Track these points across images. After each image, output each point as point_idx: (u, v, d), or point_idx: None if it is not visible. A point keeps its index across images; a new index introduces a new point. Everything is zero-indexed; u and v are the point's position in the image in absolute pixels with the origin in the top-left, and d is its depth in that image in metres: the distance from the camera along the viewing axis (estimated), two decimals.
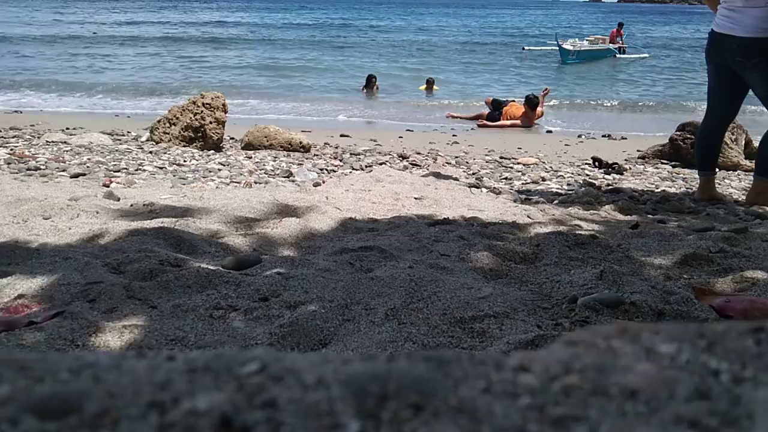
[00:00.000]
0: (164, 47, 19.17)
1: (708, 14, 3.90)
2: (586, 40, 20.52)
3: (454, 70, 16.50)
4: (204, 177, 4.23)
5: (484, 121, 9.46)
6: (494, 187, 4.25)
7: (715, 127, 3.92)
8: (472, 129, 9.00)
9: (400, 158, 5.41)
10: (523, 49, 22.68)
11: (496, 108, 9.71)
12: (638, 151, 6.35)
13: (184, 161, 4.76)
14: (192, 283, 1.77)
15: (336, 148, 5.90)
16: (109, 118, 8.13)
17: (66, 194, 3.05)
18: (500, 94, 11.71)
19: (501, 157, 5.77)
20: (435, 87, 13.24)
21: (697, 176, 5.16)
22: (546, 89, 10.26)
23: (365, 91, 12.64)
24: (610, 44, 20.67)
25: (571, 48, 18.77)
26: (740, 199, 4.20)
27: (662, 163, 5.75)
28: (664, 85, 15.02)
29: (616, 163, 5.42)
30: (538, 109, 9.39)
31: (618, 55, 19.62)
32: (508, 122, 9.29)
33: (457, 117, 10.17)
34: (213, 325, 1.56)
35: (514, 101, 9.78)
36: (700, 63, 19.74)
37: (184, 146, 5.40)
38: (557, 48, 18.92)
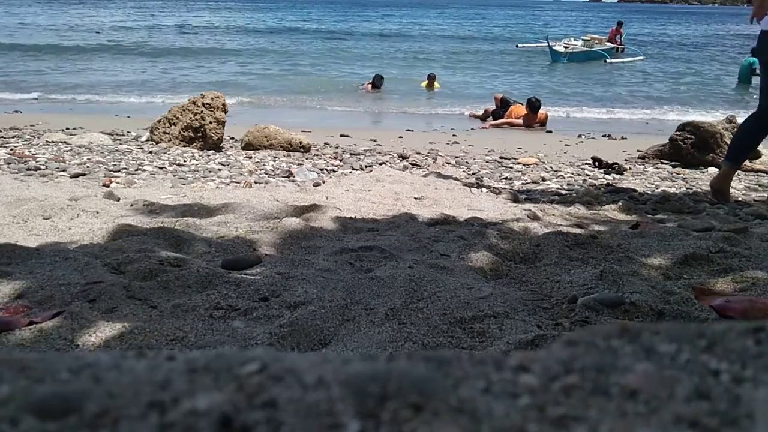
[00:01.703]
0: (163, 47, 19.16)
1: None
2: (582, 39, 20.40)
3: (450, 69, 16.49)
4: (204, 177, 4.23)
5: (485, 124, 9.46)
6: (494, 187, 4.25)
7: (760, 122, 3.88)
8: (472, 129, 9.00)
9: (400, 158, 5.41)
10: (517, 46, 22.66)
11: (504, 106, 9.72)
12: (638, 151, 6.35)
13: (184, 161, 4.76)
14: (192, 283, 1.77)
15: (336, 148, 5.90)
16: (109, 118, 8.12)
17: (66, 194, 3.05)
18: (492, 91, 11.75)
19: (501, 157, 5.77)
20: (436, 84, 13.21)
21: (697, 176, 5.16)
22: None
23: (370, 89, 12.59)
24: (608, 43, 20.55)
25: (562, 50, 18.71)
26: (740, 199, 4.20)
27: (662, 163, 5.75)
28: (659, 86, 15.00)
29: (616, 163, 5.42)
30: (540, 112, 9.35)
31: (608, 61, 19.25)
32: (512, 120, 9.31)
33: (477, 116, 10.22)
34: (213, 325, 1.56)
35: (520, 104, 9.74)
36: (689, 63, 19.77)
37: (184, 146, 5.40)
38: (548, 48, 18.89)
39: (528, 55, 20.26)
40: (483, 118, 9.93)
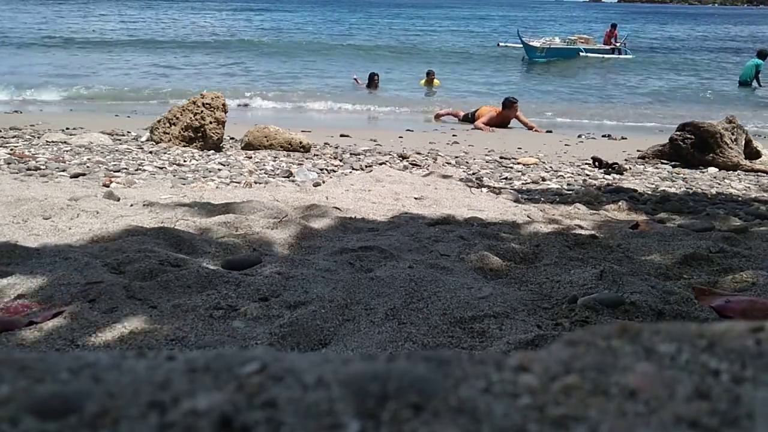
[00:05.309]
0: (161, 47, 19.16)
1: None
2: (568, 38, 20.17)
3: (445, 70, 16.46)
4: (204, 177, 4.23)
5: (484, 128, 9.09)
6: (494, 187, 4.25)
7: None
8: (472, 129, 8.99)
9: (400, 158, 5.41)
10: (498, 45, 22.53)
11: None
12: (638, 151, 6.35)
13: (184, 161, 4.76)
14: (192, 283, 1.77)
15: (336, 148, 5.90)
16: (109, 118, 8.12)
17: (66, 194, 3.05)
18: (482, 90, 11.71)
19: (501, 157, 5.77)
20: (436, 81, 13.13)
21: (697, 176, 5.16)
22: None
23: (368, 89, 12.59)
24: (604, 45, 20.39)
25: (538, 45, 18.48)
26: (740, 199, 4.20)
27: (662, 163, 5.75)
28: (660, 86, 14.98)
29: (616, 163, 5.42)
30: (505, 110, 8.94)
31: (582, 54, 18.71)
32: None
33: (444, 115, 9.84)
34: (213, 325, 1.56)
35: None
36: (690, 63, 19.69)
37: (184, 146, 5.40)
38: (522, 45, 18.68)
39: (509, 54, 20.09)
40: (462, 117, 9.51)
